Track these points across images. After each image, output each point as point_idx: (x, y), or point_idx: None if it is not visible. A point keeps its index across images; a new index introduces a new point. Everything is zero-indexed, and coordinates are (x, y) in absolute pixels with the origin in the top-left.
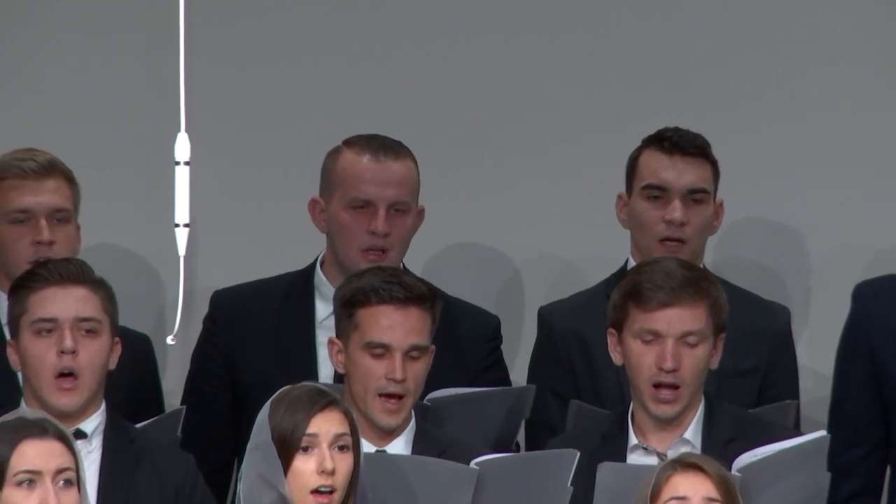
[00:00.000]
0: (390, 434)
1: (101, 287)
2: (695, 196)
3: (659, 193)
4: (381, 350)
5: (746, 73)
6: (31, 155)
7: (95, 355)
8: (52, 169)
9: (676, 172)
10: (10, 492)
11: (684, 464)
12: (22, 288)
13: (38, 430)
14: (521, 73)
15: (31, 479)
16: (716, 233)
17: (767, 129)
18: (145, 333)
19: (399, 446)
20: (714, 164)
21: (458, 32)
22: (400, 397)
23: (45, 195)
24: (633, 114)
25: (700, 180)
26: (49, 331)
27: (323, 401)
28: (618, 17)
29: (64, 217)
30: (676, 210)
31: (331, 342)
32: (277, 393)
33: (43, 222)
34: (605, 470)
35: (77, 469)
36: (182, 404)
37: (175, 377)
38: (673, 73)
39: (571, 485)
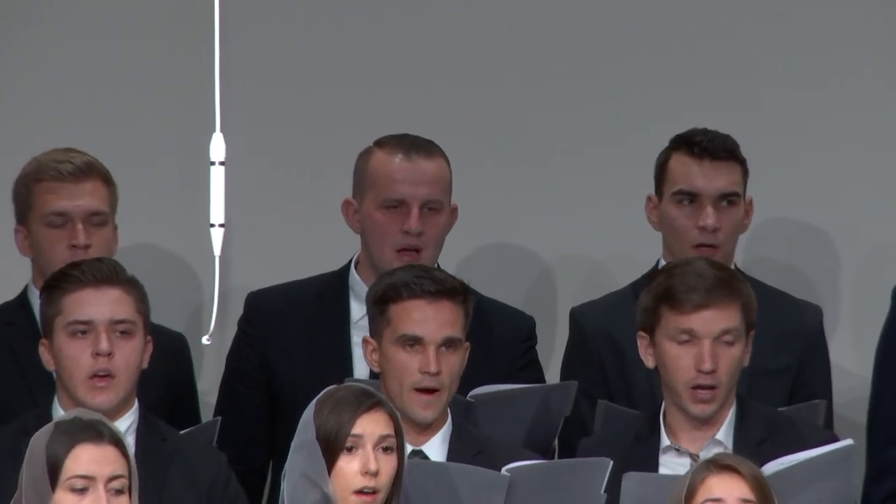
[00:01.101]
0: (427, 431)
1: (134, 287)
2: (726, 200)
3: (690, 199)
4: (414, 343)
5: (776, 72)
6: (68, 157)
7: (130, 356)
8: (90, 171)
9: (707, 178)
10: (62, 495)
11: (719, 465)
12: (55, 289)
13: (94, 433)
14: (552, 74)
15: (85, 486)
16: (746, 231)
17: (797, 128)
18: (180, 332)
19: (436, 444)
20: (743, 163)
21: (490, 33)
22: (435, 391)
23: (82, 198)
24: (662, 114)
25: (731, 184)
26: (84, 332)
27: (369, 401)
28: (649, 19)
29: (101, 220)
30: (709, 217)
31: (365, 341)
32: (323, 392)
33: (79, 226)
34: (631, 480)
35: (129, 476)
36: (217, 406)
37: (210, 377)
38: (702, 73)
39: (605, 492)
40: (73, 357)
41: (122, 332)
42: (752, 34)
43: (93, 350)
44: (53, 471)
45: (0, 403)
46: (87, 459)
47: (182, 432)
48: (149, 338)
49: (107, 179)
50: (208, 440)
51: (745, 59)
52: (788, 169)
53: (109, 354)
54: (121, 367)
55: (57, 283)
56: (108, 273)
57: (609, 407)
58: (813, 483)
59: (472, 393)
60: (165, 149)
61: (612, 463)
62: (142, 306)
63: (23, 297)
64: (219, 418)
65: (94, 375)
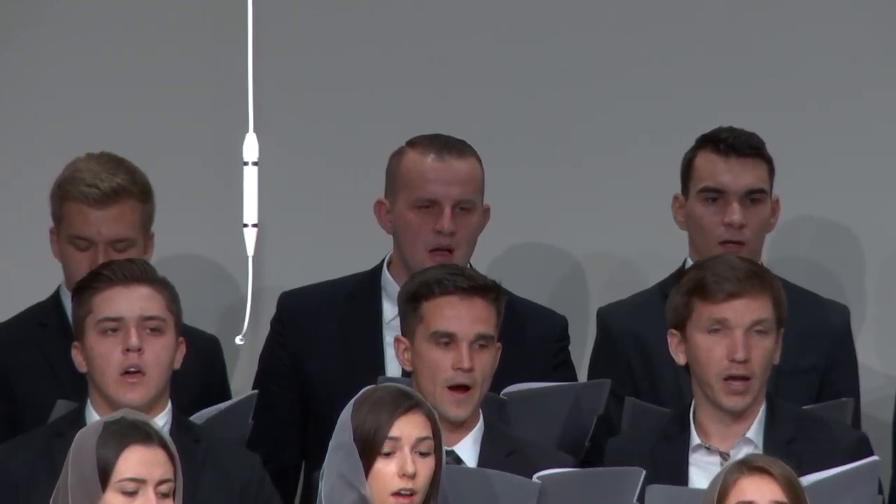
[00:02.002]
0: (459, 430)
1: (164, 287)
2: (752, 197)
3: (716, 196)
4: (446, 340)
5: (804, 72)
6: (97, 178)
7: (161, 353)
8: (117, 196)
9: (733, 174)
10: (112, 497)
11: (751, 467)
12: (86, 289)
13: (143, 435)
14: (582, 74)
15: (135, 489)
16: (773, 230)
17: (824, 128)
18: (213, 334)
19: (468, 445)
20: (769, 162)
21: (522, 34)
22: (467, 388)
23: (107, 225)
24: (691, 114)
25: (757, 180)
26: (114, 330)
27: (407, 403)
28: (681, 20)
29: (125, 246)
30: (735, 213)
31: (397, 340)
32: (361, 393)
33: (101, 254)
34: (655, 493)
35: (175, 479)
36: None
37: (243, 378)
38: (730, 73)
39: (637, 501)
40: (103, 355)
41: (153, 330)
42: (780, 35)
43: (123, 346)
44: (104, 472)
45: (32, 405)
46: (137, 462)
47: (220, 406)
48: (181, 339)
49: (141, 198)
50: (245, 415)
51: (774, 59)
52: (815, 168)
53: (140, 350)
54: (151, 364)
55: (88, 284)
56: (138, 272)
57: (636, 404)
58: (838, 500)
59: (505, 391)
60: (199, 149)
61: (644, 473)
62: (173, 306)
63: (55, 299)
64: (255, 392)
65: (125, 372)
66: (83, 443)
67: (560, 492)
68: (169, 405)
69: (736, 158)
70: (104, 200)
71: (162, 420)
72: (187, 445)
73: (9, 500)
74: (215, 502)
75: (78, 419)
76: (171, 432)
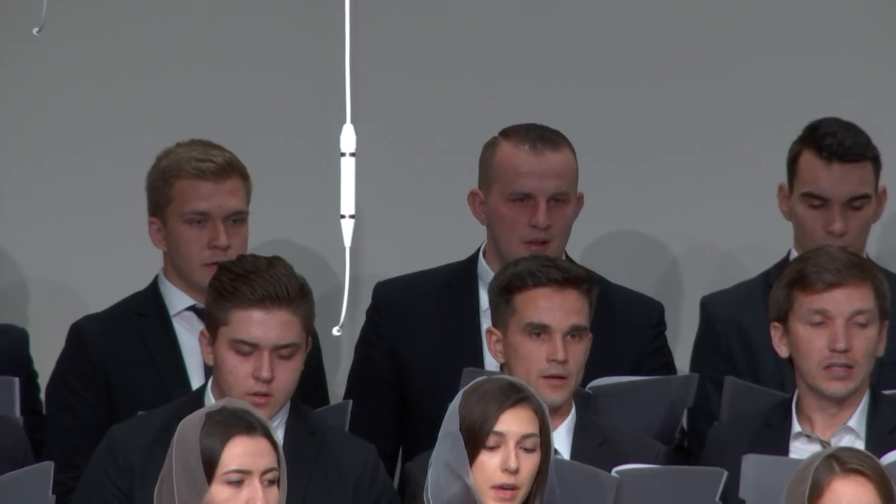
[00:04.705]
0: (555, 418)
1: (301, 304)
2: (855, 203)
3: (819, 203)
4: (540, 332)
5: None
6: (208, 154)
7: (290, 377)
8: (231, 169)
9: (835, 182)
10: (218, 488)
11: (846, 468)
12: (224, 298)
13: (246, 425)
14: (683, 68)
15: (241, 479)
16: (879, 219)
17: None
18: None
19: (561, 435)
20: (874, 159)
21: (623, 29)
22: (562, 378)
23: (224, 198)
24: (793, 107)
25: (860, 186)
26: (248, 353)
27: (515, 397)
28: (783, 13)
29: (240, 219)
30: (836, 222)
31: (489, 332)
32: (471, 383)
33: (220, 226)
34: (751, 462)
35: (279, 467)
36: (346, 395)
37: (341, 368)
38: (833, 64)
39: (719, 500)
40: (233, 373)
41: (285, 357)
42: (882, 21)
43: (254, 373)
44: (209, 465)
45: (132, 394)
46: (242, 452)
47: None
48: (309, 339)
49: (244, 176)
50: (340, 423)
51: (875, 48)
52: None
53: (271, 380)
54: (279, 389)
55: (227, 293)
56: (279, 291)
57: (736, 383)
58: None
59: (591, 384)
60: (297, 140)
61: (726, 474)
62: (307, 322)
63: (154, 288)
64: (349, 402)
65: (254, 393)
66: (187, 434)
67: (639, 488)
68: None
69: (839, 165)
70: (219, 173)
71: (281, 413)
72: (302, 437)
73: (124, 481)
74: (328, 494)
75: (197, 404)
76: (288, 423)
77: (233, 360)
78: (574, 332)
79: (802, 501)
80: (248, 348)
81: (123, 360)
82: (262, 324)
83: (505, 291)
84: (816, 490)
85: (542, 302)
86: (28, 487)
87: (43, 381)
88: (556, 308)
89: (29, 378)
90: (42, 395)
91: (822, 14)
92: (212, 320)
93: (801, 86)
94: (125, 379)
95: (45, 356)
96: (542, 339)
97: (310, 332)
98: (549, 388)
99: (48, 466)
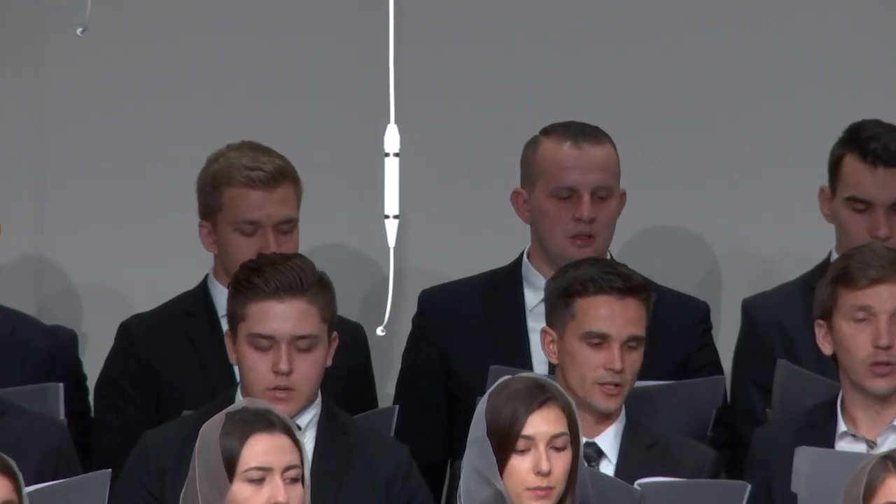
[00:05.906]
0: (602, 421)
1: (319, 292)
2: None
3: (863, 207)
4: (599, 340)
5: None
6: (257, 161)
7: (310, 370)
8: (281, 177)
9: (879, 186)
10: (240, 486)
11: None
12: (240, 294)
13: (266, 423)
14: (724, 67)
15: (262, 477)
16: None
17: None
18: (358, 322)
19: (609, 437)
20: None
21: (664, 29)
22: (618, 385)
23: (274, 206)
24: (835, 109)
25: None
26: (266, 347)
27: (542, 397)
28: (825, 13)
29: (290, 227)
30: (882, 227)
31: (544, 332)
32: (496, 385)
33: (271, 235)
34: (804, 455)
35: (302, 464)
36: (395, 402)
37: (385, 368)
38: (875, 65)
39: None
40: (253, 368)
41: (304, 348)
42: None
43: (273, 365)
44: (230, 463)
45: (180, 394)
46: (262, 450)
47: (358, 416)
48: (334, 334)
49: (295, 180)
50: (386, 428)
51: None
52: None
53: (289, 372)
54: (300, 381)
55: (242, 289)
56: (295, 281)
57: (788, 367)
58: None
59: None
60: (341, 141)
61: (750, 487)
62: (327, 313)
63: (203, 288)
64: (396, 406)
65: (275, 387)
66: (207, 435)
67: (661, 501)
68: (319, 397)
69: (883, 169)
70: (270, 182)
71: (311, 413)
72: (335, 438)
73: (156, 487)
74: (360, 495)
75: (227, 407)
76: (319, 423)
77: (252, 356)
78: (632, 342)
79: (858, 500)
80: (265, 342)
81: (171, 359)
82: (277, 315)
83: (564, 295)
84: (870, 488)
85: (602, 310)
86: (85, 495)
87: (92, 384)
88: (616, 317)
89: (77, 381)
90: (91, 398)
91: (862, 14)
92: (232, 319)
93: (841, 86)
94: (173, 378)
95: (96, 361)
96: (600, 347)
97: (332, 326)
98: (603, 396)
99: (105, 475)
